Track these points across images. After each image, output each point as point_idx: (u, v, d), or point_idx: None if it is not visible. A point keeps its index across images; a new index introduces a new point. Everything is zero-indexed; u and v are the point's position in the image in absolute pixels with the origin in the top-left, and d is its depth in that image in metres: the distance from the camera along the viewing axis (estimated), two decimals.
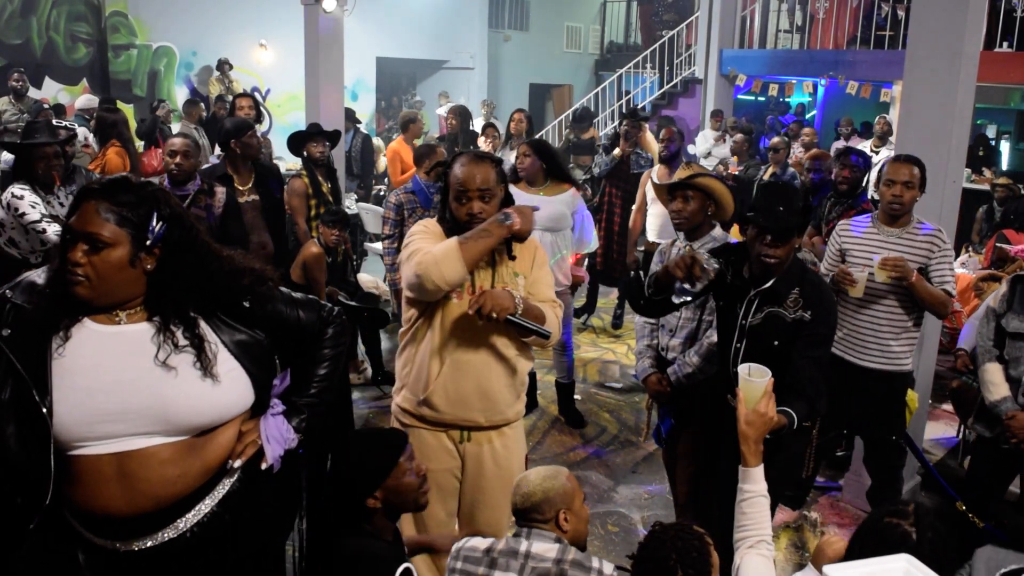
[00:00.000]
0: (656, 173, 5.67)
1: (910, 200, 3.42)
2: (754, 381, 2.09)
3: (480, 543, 2.21)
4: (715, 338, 3.14)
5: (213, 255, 1.85)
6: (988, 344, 3.37)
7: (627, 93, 13.29)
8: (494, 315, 2.36)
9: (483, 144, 7.10)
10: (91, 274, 1.70)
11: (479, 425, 2.66)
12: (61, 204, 4.39)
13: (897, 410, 3.58)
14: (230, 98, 9.53)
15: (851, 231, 3.62)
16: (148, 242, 1.74)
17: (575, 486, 2.24)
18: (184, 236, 1.80)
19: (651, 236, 5.69)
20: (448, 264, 2.38)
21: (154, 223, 1.75)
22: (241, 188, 4.63)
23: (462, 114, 7.56)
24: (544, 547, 2.13)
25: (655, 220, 5.60)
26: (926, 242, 3.43)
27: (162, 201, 1.78)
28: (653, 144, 7.08)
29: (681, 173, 3.37)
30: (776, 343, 2.72)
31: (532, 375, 4.99)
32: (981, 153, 10.83)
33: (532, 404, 5.13)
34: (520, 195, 4.49)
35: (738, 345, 2.83)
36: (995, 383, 3.28)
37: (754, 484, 2.04)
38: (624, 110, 10.25)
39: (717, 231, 3.31)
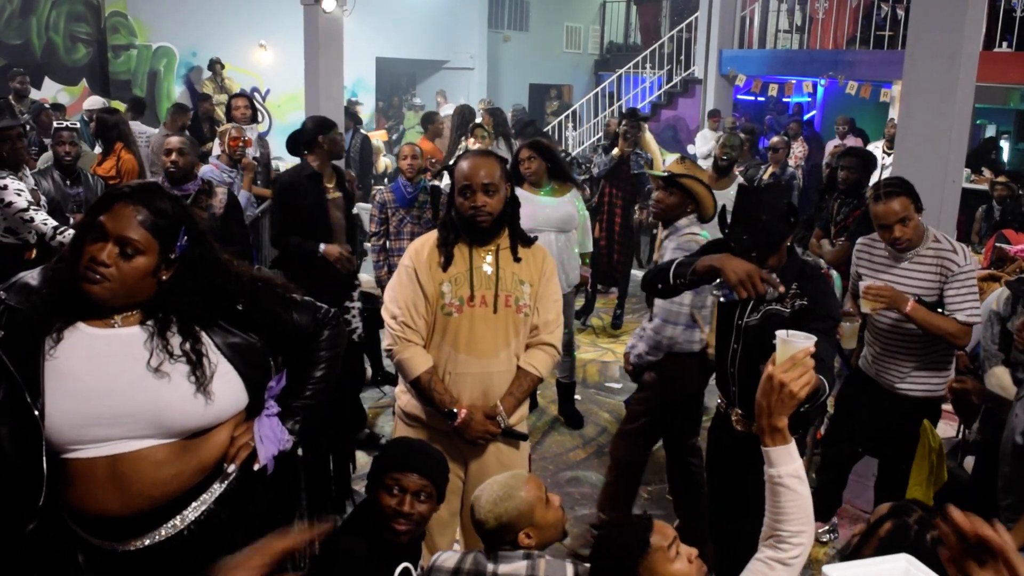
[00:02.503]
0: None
1: (912, 231, 3.08)
2: (789, 340, 1.80)
3: (449, 561, 2.08)
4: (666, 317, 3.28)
5: (226, 274, 1.86)
6: (993, 348, 3.32)
7: (616, 99, 13.29)
8: (481, 441, 2.62)
9: (472, 146, 6.53)
10: (114, 276, 1.69)
11: None
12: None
13: (908, 435, 3.34)
14: (222, 98, 9.49)
15: (865, 253, 3.35)
16: (173, 255, 1.76)
17: (535, 495, 2.06)
18: (203, 255, 1.82)
19: None
20: (401, 372, 2.66)
21: (182, 238, 1.77)
22: (329, 186, 4.37)
23: (461, 113, 7.54)
24: (511, 567, 1.98)
25: None
26: (936, 266, 3.08)
27: (192, 217, 1.82)
28: (652, 144, 7.07)
29: (674, 167, 3.41)
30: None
31: None
32: (993, 156, 10.77)
33: (532, 404, 5.13)
34: (525, 198, 4.48)
35: (735, 346, 2.70)
36: (1004, 386, 3.23)
37: (772, 467, 1.77)
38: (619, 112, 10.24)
39: (683, 221, 3.37)
